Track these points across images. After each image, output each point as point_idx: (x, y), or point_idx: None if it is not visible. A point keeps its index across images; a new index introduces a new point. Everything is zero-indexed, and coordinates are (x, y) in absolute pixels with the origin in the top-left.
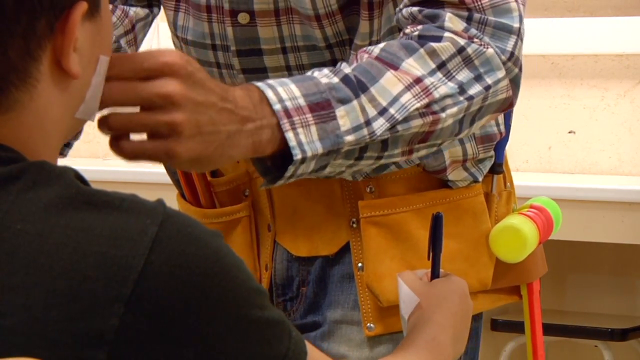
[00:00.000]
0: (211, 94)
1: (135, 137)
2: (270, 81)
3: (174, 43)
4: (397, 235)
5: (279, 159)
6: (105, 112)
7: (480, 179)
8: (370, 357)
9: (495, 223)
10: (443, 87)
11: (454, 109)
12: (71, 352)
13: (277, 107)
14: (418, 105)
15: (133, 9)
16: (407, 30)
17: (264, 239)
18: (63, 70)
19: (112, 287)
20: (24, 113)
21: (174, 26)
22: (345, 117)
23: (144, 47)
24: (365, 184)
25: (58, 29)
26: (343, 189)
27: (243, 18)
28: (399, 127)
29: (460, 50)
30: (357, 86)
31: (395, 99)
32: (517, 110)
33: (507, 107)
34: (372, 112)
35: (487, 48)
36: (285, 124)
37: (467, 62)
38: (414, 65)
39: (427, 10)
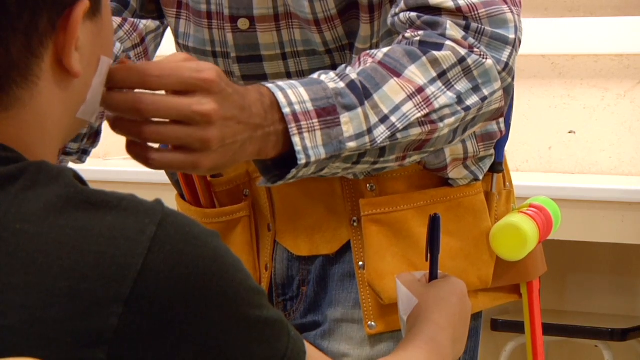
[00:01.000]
0: (235, 108)
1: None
2: (280, 83)
3: (177, 50)
4: (398, 233)
5: (280, 158)
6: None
7: (481, 177)
8: (371, 355)
9: (495, 222)
10: (443, 97)
11: (452, 119)
12: (70, 351)
13: (287, 110)
14: (419, 115)
15: (143, 22)
16: (408, 35)
17: (264, 239)
18: (64, 69)
19: (111, 286)
20: (24, 111)
21: (175, 33)
22: (349, 124)
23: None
24: (366, 182)
25: (60, 26)
26: (344, 187)
27: (243, 24)
28: (399, 135)
29: (461, 60)
30: (362, 92)
31: (397, 108)
32: (517, 110)
33: (498, 116)
34: (374, 119)
35: (486, 59)
36: (293, 128)
37: (467, 72)
38: (416, 74)
39: (426, 17)
